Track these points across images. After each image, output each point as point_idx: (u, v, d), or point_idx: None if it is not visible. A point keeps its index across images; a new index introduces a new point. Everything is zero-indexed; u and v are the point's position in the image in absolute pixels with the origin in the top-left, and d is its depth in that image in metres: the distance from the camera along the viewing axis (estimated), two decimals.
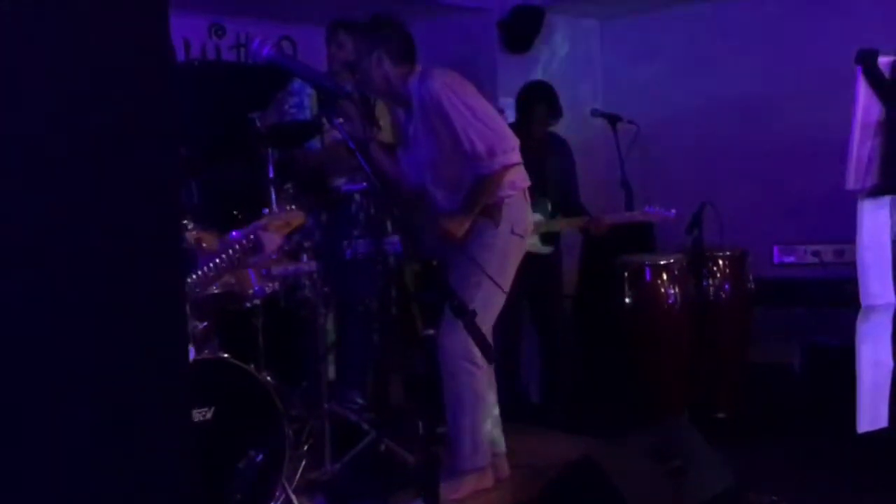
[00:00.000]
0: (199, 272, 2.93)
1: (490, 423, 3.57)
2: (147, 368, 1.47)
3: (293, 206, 3.19)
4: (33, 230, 1.35)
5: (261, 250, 3.08)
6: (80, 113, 1.40)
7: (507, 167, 3.40)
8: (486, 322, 3.32)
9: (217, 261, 2.94)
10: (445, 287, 2.27)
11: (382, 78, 3.47)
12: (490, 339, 3.15)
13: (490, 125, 3.39)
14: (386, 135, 4.48)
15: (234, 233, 3.05)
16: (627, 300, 4.59)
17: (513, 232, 3.48)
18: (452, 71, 3.53)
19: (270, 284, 3.39)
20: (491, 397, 3.59)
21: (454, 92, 3.38)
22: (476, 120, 3.36)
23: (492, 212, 3.45)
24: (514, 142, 3.44)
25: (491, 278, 3.35)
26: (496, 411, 3.63)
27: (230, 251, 2.96)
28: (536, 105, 4.74)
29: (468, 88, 3.45)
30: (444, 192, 3.53)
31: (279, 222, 3.07)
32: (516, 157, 3.43)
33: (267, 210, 3.11)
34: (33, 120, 1.35)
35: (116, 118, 1.43)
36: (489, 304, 3.39)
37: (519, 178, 3.52)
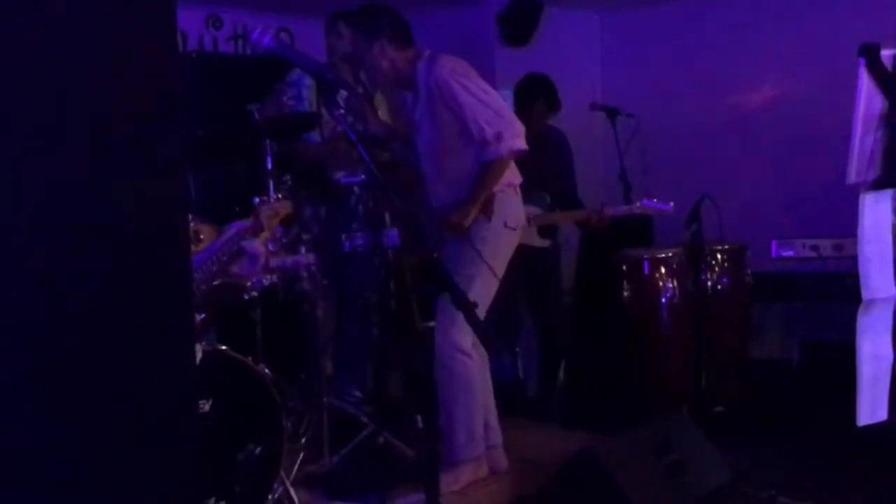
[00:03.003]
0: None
1: (485, 414, 3.56)
2: (152, 364, 1.46)
3: (281, 196, 3.16)
4: (38, 222, 1.34)
5: (248, 259, 3.06)
6: (88, 103, 1.38)
7: (514, 153, 3.42)
8: (480, 313, 3.30)
9: (198, 273, 2.87)
10: (446, 280, 2.26)
11: (389, 65, 3.50)
12: None
13: (498, 111, 3.41)
14: None
15: (214, 244, 3.00)
16: (626, 294, 4.58)
17: (506, 225, 3.50)
18: (459, 58, 3.54)
19: (269, 277, 3.38)
20: (487, 388, 3.59)
21: (463, 77, 3.41)
22: (484, 105, 3.38)
23: (484, 206, 3.46)
24: (521, 128, 3.46)
25: (490, 267, 3.36)
26: (493, 402, 3.63)
27: (210, 262, 2.93)
28: (535, 98, 4.73)
29: (475, 75, 3.48)
30: (446, 187, 3.54)
31: (269, 213, 3.05)
32: (522, 143, 3.43)
33: (258, 200, 3.08)
34: (40, 110, 1.34)
35: (124, 108, 1.42)
36: (485, 294, 3.40)
37: (510, 173, 3.54)
